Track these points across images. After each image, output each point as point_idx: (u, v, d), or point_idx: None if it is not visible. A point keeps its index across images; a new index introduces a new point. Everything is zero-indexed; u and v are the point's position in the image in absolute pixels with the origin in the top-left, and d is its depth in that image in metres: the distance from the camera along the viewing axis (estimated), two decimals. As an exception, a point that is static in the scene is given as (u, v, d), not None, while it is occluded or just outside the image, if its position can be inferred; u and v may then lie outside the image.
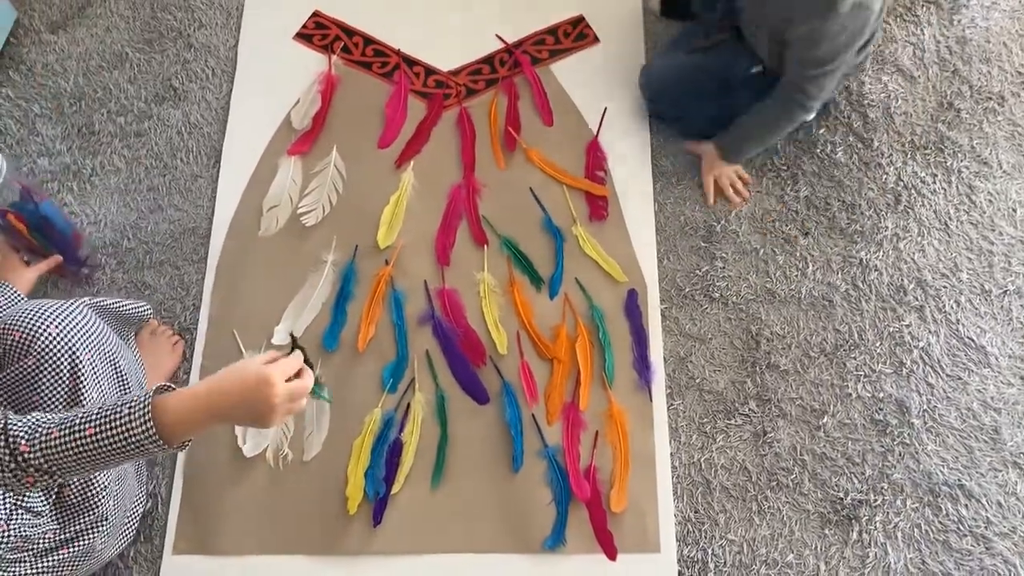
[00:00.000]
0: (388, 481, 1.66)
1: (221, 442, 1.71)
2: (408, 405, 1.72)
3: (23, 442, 1.07)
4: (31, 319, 1.37)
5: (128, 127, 2.00)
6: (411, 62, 2.04)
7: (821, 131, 1.91)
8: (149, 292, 1.84)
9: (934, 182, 1.86)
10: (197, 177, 1.95)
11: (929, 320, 1.75)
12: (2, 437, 1.07)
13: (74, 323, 1.40)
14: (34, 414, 1.12)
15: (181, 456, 1.70)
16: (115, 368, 1.47)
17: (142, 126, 2.00)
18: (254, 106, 2.01)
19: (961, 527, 1.61)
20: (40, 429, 1.08)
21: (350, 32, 2.08)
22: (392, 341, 1.77)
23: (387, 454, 1.68)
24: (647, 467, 1.66)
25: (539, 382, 1.73)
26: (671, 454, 1.67)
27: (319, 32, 2.08)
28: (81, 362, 1.38)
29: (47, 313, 1.38)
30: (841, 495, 1.63)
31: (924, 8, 2.02)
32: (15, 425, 1.08)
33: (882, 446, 1.66)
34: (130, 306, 1.66)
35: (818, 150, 1.89)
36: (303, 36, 2.08)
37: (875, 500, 1.62)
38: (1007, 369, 1.71)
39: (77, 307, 1.44)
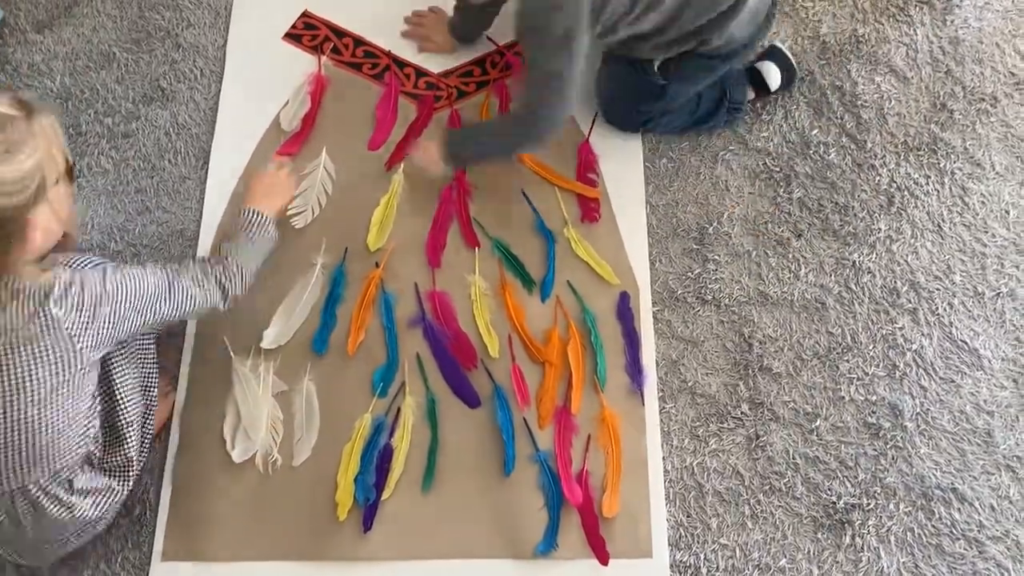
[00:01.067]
0: (378, 487, 1.64)
1: (210, 447, 1.69)
2: (398, 409, 1.71)
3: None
4: None
5: (115, 128, 1.98)
6: (401, 63, 2.02)
7: (814, 132, 1.90)
8: (137, 295, 1.82)
9: (927, 184, 1.85)
10: (185, 179, 1.93)
11: (922, 323, 1.74)
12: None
13: None
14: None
15: (169, 461, 1.68)
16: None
17: (130, 127, 1.98)
18: (243, 107, 1.99)
19: (954, 531, 1.60)
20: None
21: (340, 33, 2.06)
22: (382, 345, 1.76)
23: (377, 459, 1.66)
24: (639, 471, 1.65)
25: (531, 386, 1.72)
26: (663, 458, 1.66)
27: (308, 33, 2.07)
28: None
29: None
30: (834, 499, 1.62)
31: (917, 8, 2.02)
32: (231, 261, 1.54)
33: (875, 449, 1.65)
34: None
35: (811, 151, 1.88)
36: (292, 36, 2.07)
37: (868, 504, 1.62)
38: (1000, 372, 1.70)
39: None
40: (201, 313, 1.51)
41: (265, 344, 1.75)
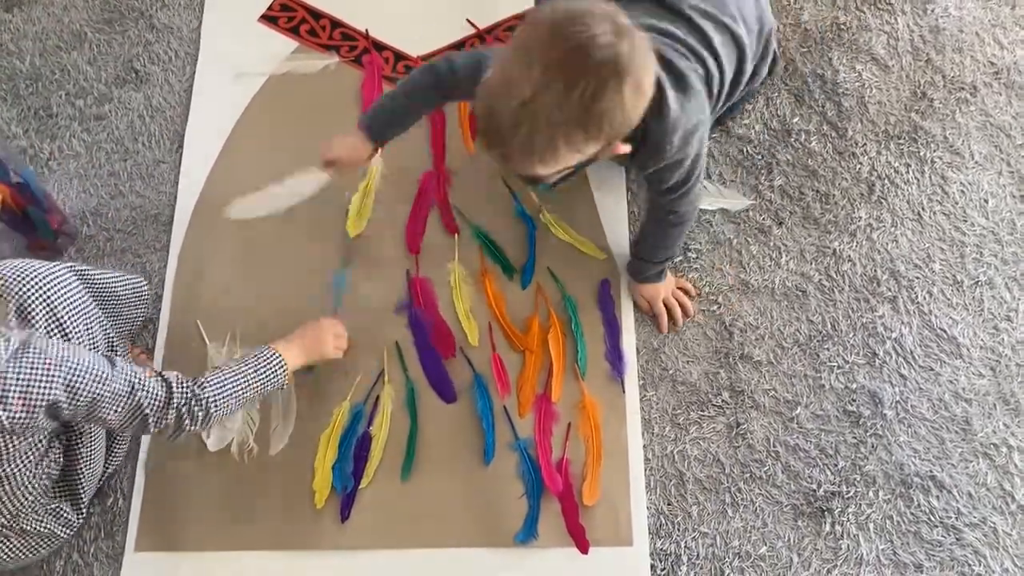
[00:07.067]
0: (356, 475, 1.63)
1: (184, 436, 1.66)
2: (377, 397, 1.69)
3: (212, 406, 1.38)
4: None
5: (87, 110, 1.95)
6: (380, 46, 1.99)
7: (795, 120, 1.89)
8: (109, 281, 1.78)
9: (907, 172, 1.85)
10: (159, 162, 1.90)
11: (902, 311, 1.74)
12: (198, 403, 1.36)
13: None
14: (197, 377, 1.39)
15: (143, 450, 1.66)
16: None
17: (102, 109, 1.95)
18: (218, 90, 1.95)
19: (932, 518, 1.61)
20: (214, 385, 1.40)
21: (317, 14, 2.03)
22: (361, 332, 1.74)
23: (356, 448, 1.65)
24: (620, 459, 1.65)
25: (511, 373, 1.71)
26: (644, 446, 1.66)
27: (285, 14, 2.03)
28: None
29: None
30: (814, 487, 1.62)
31: (898, -3, 2.02)
32: (205, 388, 1.38)
33: (855, 437, 1.66)
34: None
35: (792, 139, 1.88)
36: (268, 18, 2.03)
37: (848, 492, 1.62)
38: (978, 360, 1.71)
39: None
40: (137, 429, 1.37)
41: (233, 214, 1.72)
